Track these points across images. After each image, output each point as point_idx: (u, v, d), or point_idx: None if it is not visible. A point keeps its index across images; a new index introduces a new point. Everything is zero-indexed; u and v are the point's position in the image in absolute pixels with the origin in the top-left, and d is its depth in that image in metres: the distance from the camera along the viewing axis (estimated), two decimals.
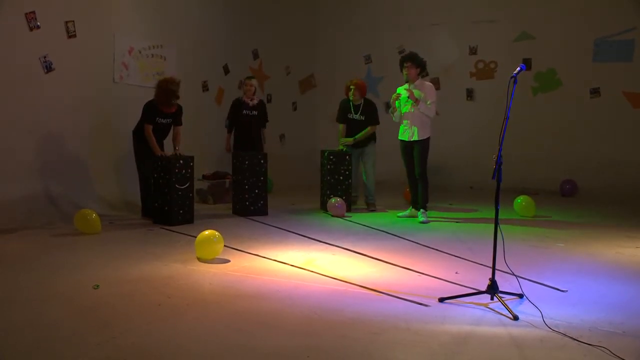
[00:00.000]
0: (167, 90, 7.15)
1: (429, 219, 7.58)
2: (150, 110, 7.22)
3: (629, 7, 10.13)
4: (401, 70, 7.57)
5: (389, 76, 11.17)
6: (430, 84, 7.71)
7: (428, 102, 7.44)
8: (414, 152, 7.57)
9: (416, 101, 7.43)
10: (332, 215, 7.81)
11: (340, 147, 8.35)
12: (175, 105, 7.34)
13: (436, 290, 4.47)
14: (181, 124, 7.50)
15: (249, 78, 8.58)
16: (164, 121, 7.31)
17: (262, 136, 8.52)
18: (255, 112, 8.40)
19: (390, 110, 7.87)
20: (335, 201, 7.84)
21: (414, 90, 7.45)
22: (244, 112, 8.35)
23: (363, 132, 8.25)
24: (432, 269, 5.15)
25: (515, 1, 10.96)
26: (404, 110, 7.58)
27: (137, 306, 4.09)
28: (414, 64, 7.47)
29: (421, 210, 7.63)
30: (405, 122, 7.61)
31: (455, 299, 4.24)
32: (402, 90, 7.59)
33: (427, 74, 7.73)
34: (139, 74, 8.43)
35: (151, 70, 8.02)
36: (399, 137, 7.70)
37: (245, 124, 8.34)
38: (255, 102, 8.43)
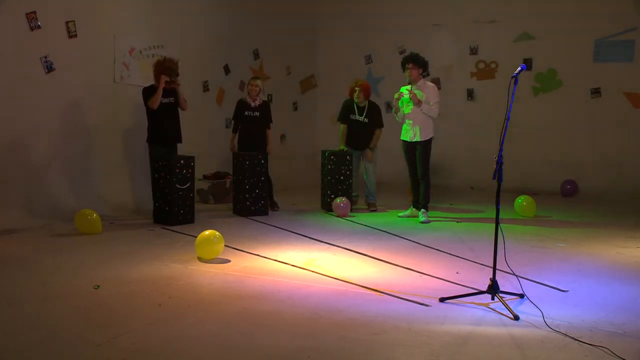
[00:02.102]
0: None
1: (430, 218, 7.58)
2: (149, 88, 7.35)
3: (629, 7, 10.10)
4: (403, 71, 7.56)
5: (389, 76, 11.15)
6: (433, 84, 7.69)
7: (431, 103, 7.43)
8: (417, 152, 7.55)
9: (418, 102, 7.42)
10: (336, 215, 7.81)
11: (341, 147, 8.35)
12: (172, 85, 7.38)
13: (437, 290, 4.47)
14: (185, 102, 7.60)
15: (254, 78, 8.47)
16: (165, 100, 7.35)
17: (267, 137, 8.43)
18: (257, 114, 8.29)
19: (393, 111, 7.86)
20: (340, 201, 7.85)
21: (415, 92, 7.44)
22: (246, 113, 8.29)
23: (375, 139, 8.30)
24: (432, 269, 5.15)
25: (515, 1, 10.93)
26: (406, 110, 7.57)
27: (138, 306, 4.09)
28: (416, 65, 7.44)
29: (422, 210, 7.62)
30: (407, 122, 7.59)
31: (456, 299, 4.24)
32: (405, 91, 7.58)
33: (428, 74, 7.72)
34: (140, 74, 8.41)
35: (152, 70, 8.00)
36: (402, 138, 7.68)
37: (248, 125, 8.29)
38: (257, 103, 8.30)
